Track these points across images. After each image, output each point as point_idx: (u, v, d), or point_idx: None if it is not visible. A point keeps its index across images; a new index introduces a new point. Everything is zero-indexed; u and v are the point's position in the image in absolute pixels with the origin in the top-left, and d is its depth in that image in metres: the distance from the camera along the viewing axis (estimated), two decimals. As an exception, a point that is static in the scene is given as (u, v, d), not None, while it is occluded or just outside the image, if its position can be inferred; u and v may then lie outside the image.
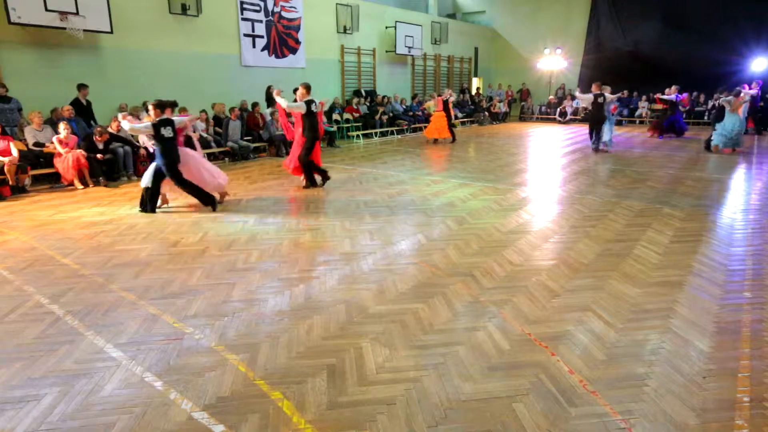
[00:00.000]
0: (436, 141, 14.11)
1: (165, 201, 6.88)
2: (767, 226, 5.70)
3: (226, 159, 11.05)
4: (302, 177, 8.19)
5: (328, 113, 14.66)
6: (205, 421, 2.48)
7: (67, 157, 8.08)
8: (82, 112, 9.68)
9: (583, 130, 14.47)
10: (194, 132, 10.55)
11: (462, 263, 4.63)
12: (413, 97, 18.74)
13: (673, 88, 14.24)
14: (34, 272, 4.50)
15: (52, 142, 8.16)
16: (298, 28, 14.38)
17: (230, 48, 12.81)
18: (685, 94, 14.31)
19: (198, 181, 6.57)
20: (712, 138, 11.85)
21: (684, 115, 15.12)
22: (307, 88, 8.04)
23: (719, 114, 11.86)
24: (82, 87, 9.69)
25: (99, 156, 8.39)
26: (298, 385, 2.77)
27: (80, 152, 8.16)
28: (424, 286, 4.12)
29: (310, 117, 7.84)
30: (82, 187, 8.22)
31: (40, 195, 7.81)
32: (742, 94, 11.64)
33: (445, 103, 13.98)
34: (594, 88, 11.96)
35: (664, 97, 14.22)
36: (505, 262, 4.66)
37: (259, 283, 4.20)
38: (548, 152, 12.23)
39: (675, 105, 14.40)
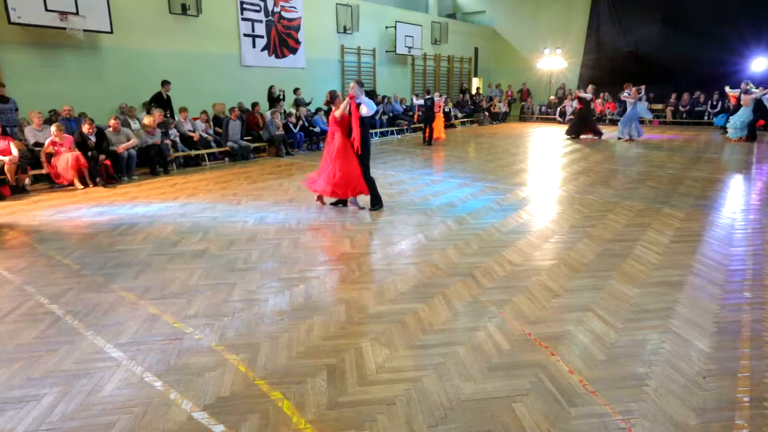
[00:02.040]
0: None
1: None
2: (767, 226, 5.70)
3: (226, 159, 11.05)
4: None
5: (327, 114, 14.66)
6: (205, 421, 2.48)
7: (66, 157, 8.07)
8: (163, 105, 10.66)
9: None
10: (194, 132, 10.62)
11: (462, 263, 4.63)
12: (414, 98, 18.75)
13: (590, 87, 15.35)
14: (34, 272, 4.50)
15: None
16: (298, 28, 14.38)
17: (230, 48, 12.81)
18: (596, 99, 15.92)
19: None
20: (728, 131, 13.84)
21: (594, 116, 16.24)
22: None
23: (736, 108, 14.02)
24: (165, 83, 10.78)
25: (89, 153, 8.30)
26: (298, 385, 2.77)
27: (79, 153, 8.14)
28: (424, 286, 4.12)
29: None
30: (82, 187, 8.22)
31: (40, 195, 7.81)
32: (753, 92, 13.21)
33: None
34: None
35: (582, 95, 14.96)
36: (505, 262, 4.66)
37: (259, 283, 4.20)
38: (548, 152, 12.24)
39: (589, 104, 15.19)
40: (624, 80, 15.14)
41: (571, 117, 20.19)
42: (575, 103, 15.75)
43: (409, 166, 10.29)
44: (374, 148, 12.91)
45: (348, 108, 6.22)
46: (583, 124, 14.93)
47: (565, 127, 16.14)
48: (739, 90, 14.45)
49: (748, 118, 13.37)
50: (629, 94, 13.99)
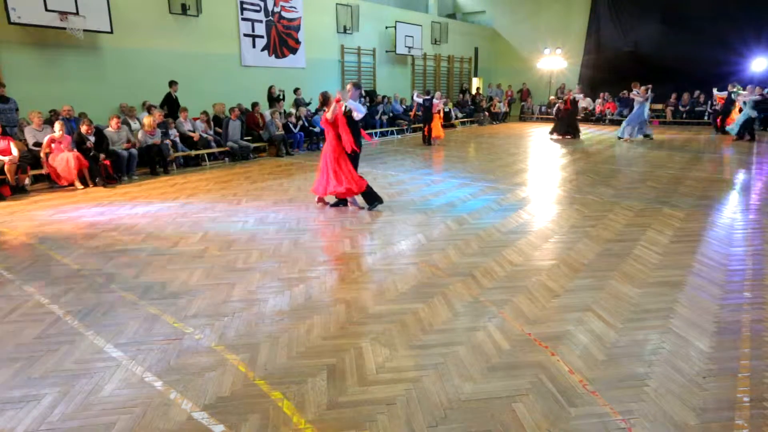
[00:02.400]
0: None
1: None
2: (767, 226, 5.70)
3: (226, 159, 11.05)
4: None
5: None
6: (205, 421, 2.48)
7: (67, 157, 8.06)
8: (171, 105, 10.90)
9: (585, 129, 15.43)
10: (194, 132, 10.62)
11: (462, 263, 4.63)
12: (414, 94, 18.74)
13: (577, 88, 16.23)
14: (34, 272, 4.50)
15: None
16: (298, 28, 14.38)
17: (230, 48, 12.81)
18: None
19: None
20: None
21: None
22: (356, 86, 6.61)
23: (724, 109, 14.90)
24: (173, 83, 11.00)
25: (91, 153, 8.30)
26: (298, 385, 2.77)
27: (80, 153, 8.13)
28: (424, 286, 4.12)
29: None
30: (82, 187, 8.22)
31: (40, 195, 7.81)
32: (746, 91, 13.66)
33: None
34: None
35: (574, 95, 15.39)
36: (505, 262, 4.66)
37: (259, 283, 4.20)
38: (548, 152, 12.24)
39: (577, 105, 15.70)
40: (624, 80, 15.29)
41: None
42: (563, 104, 15.81)
43: (409, 166, 10.29)
44: (374, 148, 12.93)
45: (338, 110, 6.28)
46: (569, 124, 15.04)
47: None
48: (726, 92, 14.73)
49: (744, 117, 13.58)
50: (638, 93, 13.96)
